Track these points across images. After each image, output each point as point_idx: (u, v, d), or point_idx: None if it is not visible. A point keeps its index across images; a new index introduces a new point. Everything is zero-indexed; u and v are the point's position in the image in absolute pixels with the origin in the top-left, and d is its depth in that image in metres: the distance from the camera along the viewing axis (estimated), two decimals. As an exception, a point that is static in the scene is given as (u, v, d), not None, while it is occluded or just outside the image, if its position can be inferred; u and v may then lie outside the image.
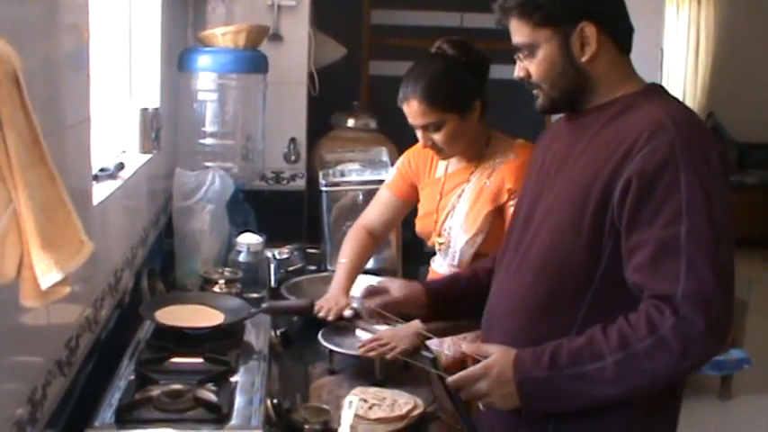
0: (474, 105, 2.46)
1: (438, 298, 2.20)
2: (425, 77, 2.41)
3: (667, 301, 1.59)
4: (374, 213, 2.79)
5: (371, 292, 2.24)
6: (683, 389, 1.86)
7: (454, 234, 2.53)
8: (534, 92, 1.84)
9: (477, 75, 2.49)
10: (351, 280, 2.62)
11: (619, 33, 1.79)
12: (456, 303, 2.19)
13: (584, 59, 1.75)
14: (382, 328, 2.39)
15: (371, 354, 2.23)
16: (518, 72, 1.83)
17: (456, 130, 2.44)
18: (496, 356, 1.76)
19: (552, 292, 1.78)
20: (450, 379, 1.83)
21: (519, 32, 1.79)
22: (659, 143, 1.62)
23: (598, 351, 1.64)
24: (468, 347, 1.90)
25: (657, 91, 1.81)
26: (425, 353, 2.45)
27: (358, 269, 2.69)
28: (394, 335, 2.29)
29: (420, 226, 2.68)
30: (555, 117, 2.01)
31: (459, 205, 2.53)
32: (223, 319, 2.27)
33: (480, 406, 1.88)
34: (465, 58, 2.46)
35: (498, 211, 2.46)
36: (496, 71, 2.58)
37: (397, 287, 2.23)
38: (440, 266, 2.65)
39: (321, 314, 2.47)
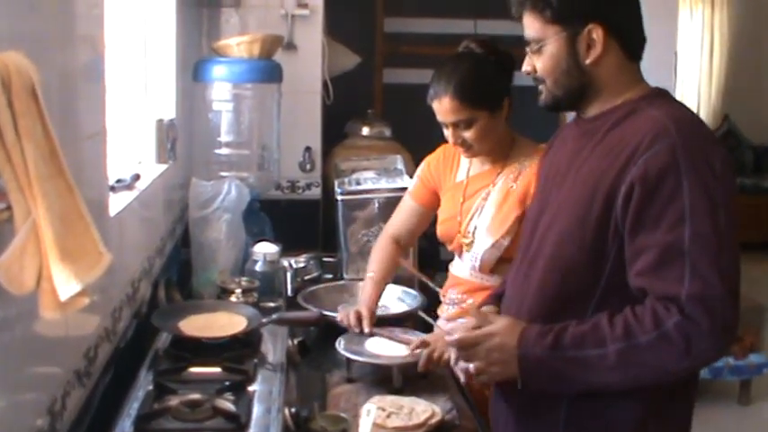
0: (503, 103, 2.48)
1: None
2: (457, 75, 2.42)
3: (673, 301, 1.60)
4: (399, 221, 2.80)
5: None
6: (698, 377, 1.86)
7: (478, 236, 2.52)
8: (539, 87, 1.86)
9: (505, 73, 2.51)
10: (377, 293, 2.64)
11: (628, 40, 1.79)
12: None
13: (587, 61, 1.76)
14: (408, 336, 2.40)
15: (429, 365, 2.27)
16: (525, 66, 1.86)
17: (486, 127, 2.45)
18: (500, 326, 1.78)
19: (558, 297, 1.78)
20: (452, 338, 1.82)
21: (530, 26, 1.81)
22: (661, 147, 1.63)
23: (601, 338, 1.65)
24: (475, 314, 1.88)
25: (661, 95, 1.81)
26: None
27: (385, 281, 2.71)
28: (437, 340, 2.30)
29: (442, 230, 2.67)
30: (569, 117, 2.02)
31: (485, 207, 2.52)
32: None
33: (462, 377, 1.89)
34: (493, 57, 2.48)
35: (524, 214, 2.46)
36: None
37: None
38: (460, 270, 2.64)
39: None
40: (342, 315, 2.56)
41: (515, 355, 1.73)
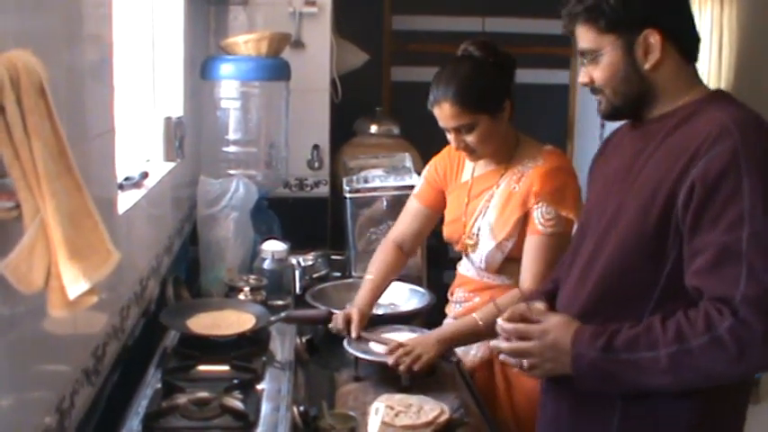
0: (504, 105, 2.46)
1: None
2: (456, 79, 2.41)
3: (726, 303, 1.58)
4: (403, 225, 2.77)
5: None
6: (751, 379, 1.84)
7: (482, 238, 2.51)
8: (597, 97, 1.84)
9: (506, 75, 2.49)
10: (372, 298, 2.60)
11: (684, 42, 1.78)
12: None
13: (647, 66, 1.75)
14: (399, 338, 2.39)
15: (401, 368, 2.24)
16: (582, 78, 1.84)
17: (488, 130, 2.44)
18: (553, 323, 1.79)
19: (615, 299, 1.77)
20: (508, 326, 1.82)
21: (584, 38, 1.80)
22: (722, 148, 1.61)
23: (654, 341, 1.64)
24: (531, 309, 1.89)
25: (722, 96, 1.79)
26: (451, 358, 2.46)
27: (382, 288, 2.67)
28: (418, 343, 2.29)
29: (448, 231, 2.66)
30: (611, 126, 2.00)
31: (488, 209, 2.52)
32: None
33: (514, 365, 1.85)
34: (492, 59, 2.46)
35: (526, 215, 2.45)
36: (518, 75, 2.57)
37: None
38: (467, 270, 2.64)
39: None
40: (334, 317, 2.52)
41: (569, 355, 1.73)
